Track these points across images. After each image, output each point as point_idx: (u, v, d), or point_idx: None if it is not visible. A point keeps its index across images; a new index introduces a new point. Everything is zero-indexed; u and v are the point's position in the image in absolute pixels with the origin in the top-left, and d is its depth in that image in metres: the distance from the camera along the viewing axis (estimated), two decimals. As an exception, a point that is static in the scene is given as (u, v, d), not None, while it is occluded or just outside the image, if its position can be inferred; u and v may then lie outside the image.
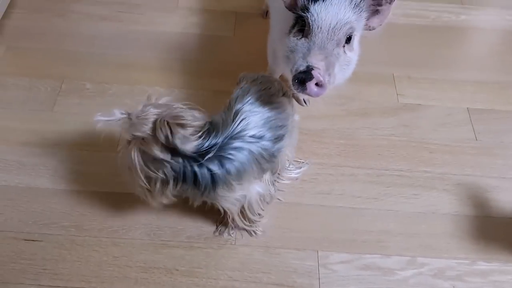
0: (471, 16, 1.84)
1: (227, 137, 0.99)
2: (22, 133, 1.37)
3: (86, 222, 1.22)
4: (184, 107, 1.00)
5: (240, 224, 1.17)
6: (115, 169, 1.30)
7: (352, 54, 0.99)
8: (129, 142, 0.98)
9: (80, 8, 1.74)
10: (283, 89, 1.13)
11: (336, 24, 0.93)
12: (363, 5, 0.97)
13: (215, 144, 0.97)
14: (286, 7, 1.02)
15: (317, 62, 0.92)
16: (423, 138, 1.44)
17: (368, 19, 1.00)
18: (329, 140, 1.42)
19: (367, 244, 1.23)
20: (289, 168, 1.30)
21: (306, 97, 1.48)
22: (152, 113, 0.95)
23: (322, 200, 1.30)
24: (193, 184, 0.99)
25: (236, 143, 0.99)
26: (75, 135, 1.38)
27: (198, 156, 0.96)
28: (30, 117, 1.41)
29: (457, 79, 1.61)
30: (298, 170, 1.32)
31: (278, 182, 1.27)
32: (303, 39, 0.96)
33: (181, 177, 0.98)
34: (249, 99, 1.04)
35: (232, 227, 1.21)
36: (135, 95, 1.48)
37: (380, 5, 0.99)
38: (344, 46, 0.96)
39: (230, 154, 0.99)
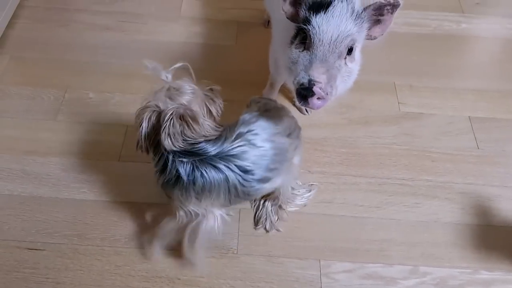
0: (472, 25, 1.84)
1: (218, 153, 0.98)
2: (26, 142, 1.38)
3: (89, 231, 1.22)
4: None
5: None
6: (118, 178, 1.31)
7: (353, 65, 0.99)
8: (146, 106, 1.00)
9: (83, 18, 1.75)
10: (291, 127, 1.10)
11: (338, 36, 0.94)
12: (365, 16, 0.98)
13: (205, 151, 0.98)
14: (287, 17, 1.03)
15: (318, 75, 0.93)
16: (425, 147, 1.44)
17: (369, 28, 1.01)
18: (331, 148, 1.43)
19: (370, 253, 1.23)
20: (297, 193, 1.28)
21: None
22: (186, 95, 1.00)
23: (324, 209, 1.30)
24: (161, 170, 1.01)
25: (220, 164, 0.98)
26: (78, 144, 1.38)
27: (178, 153, 0.97)
28: (33, 126, 1.42)
29: (458, 87, 1.61)
30: (307, 195, 1.30)
31: (284, 210, 1.26)
32: (304, 51, 0.97)
33: (157, 157, 1.00)
34: (254, 130, 1.02)
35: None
36: (138, 104, 1.48)
37: (381, 14, 1.00)
38: (345, 58, 0.96)
39: (206, 169, 0.98)
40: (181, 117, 0.94)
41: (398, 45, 1.73)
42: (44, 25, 1.71)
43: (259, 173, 1.01)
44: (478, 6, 1.92)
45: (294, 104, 1.52)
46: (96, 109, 1.47)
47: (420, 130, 1.49)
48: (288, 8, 1.02)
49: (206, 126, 0.99)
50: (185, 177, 0.98)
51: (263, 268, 1.19)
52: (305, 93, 0.93)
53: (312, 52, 0.95)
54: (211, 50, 1.68)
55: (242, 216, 1.27)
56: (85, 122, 1.44)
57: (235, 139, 1.00)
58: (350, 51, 0.97)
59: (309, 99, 0.93)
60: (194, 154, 0.98)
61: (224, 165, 0.99)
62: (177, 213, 1.07)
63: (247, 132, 1.01)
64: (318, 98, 0.93)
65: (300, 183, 1.29)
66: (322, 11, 0.95)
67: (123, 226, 1.23)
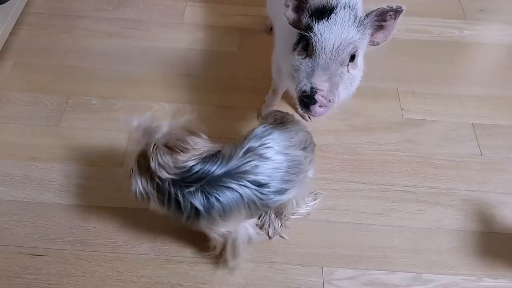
0: (475, 32, 1.85)
1: (226, 172, 0.95)
2: (29, 148, 1.38)
3: (91, 237, 1.22)
4: (186, 132, 0.97)
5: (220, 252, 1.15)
6: (120, 184, 1.31)
7: (356, 71, 0.99)
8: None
9: (86, 24, 1.76)
10: (307, 141, 1.07)
11: (340, 44, 0.94)
12: (367, 22, 0.98)
13: (208, 173, 0.94)
14: (289, 23, 1.03)
15: (320, 83, 0.93)
16: (428, 154, 1.44)
17: (372, 34, 1.01)
18: (334, 155, 1.42)
19: (372, 260, 1.22)
20: (302, 203, 1.27)
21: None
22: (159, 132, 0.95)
23: (327, 216, 1.29)
24: (176, 209, 0.96)
25: (231, 184, 0.95)
26: (81, 150, 1.39)
27: (184, 184, 0.93)
28: (36, 132, 1.42)
29: (461, 94, 1.61)
30: (312, 203, 1.29)
31: (288, 219, 1.25)
32: (307, 58, 0.97)
33: (166, 199, 0.95)
34: (267, 143, 0.99)
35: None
36: (140, 111, 1.49)
37: (384, 20, 1.00)
38: (348, 65, 0.96)
39: (218, 192, 0.94)
40: (166, 145, 0.92)
41: (401, 51, 1.74)
42: (47, 31, 1.72)
43: (274, 185, 0.98)
44: (481, 13, 1.92)
45: (296, 111, 1.52)
46: (99, 115, 1.48)
47: (423, 136, 1.49)
48: (290, 14, 1.02)
49: (199, 142, 0.96)
50: (202, 208, 0.94)
51: (265, 275, 1.18)
52: (307, 101, 0.93)
53: (315, 59, 0.95)
54: (214, 56, 1.68)
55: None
56: (88, 128, 1.44)
57: (244, 154, 0.96)
58: (352, 58, 0.97)
59: (311, 107, 0.93)
60: (198, 178, 0.94)
61: (237, 184, 0.95)
62: (211, 237, 1.07)
63: (259, 146, 0.97)
64: (320, 106, 0.93)
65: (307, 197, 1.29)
66: (325, 18, 0.95)
67: (126, 232, 1.23)
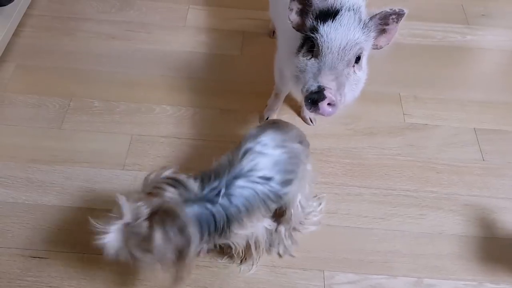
0: (477, 36, 1.85)
1: (232, 177, 0.97)
2: (31, 150, 1.38)
3: (93, 239, 1.22)
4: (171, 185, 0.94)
5: (240, 255, 1.16)
6: (122, 187, 1.31)
7: (361, 73, 1.00)
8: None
9: (89, 27, 1.76)
10: (302, 136, 1.12)
11: (346, 44, 0.94)
12: (371, 25, 0.98)
13: (216, 187, 0.96)
14: (293, 27, 1.03)
15: (328, 82, 0.93)
16: (430, 158, 1.44)
17: (375, 38, 1.01)
18: (335, 159, 1.42)
19: (374, 264, 1.22)
20: (309, 210, 1.27)
21: (312, 116, 1.49)
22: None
23: (328, 220, 1.29)
24: (214, 229, 0.97)
25: (240, 182, 0.97)
26: (83, 152, 1.39)
27: (208, 199, 0.95)
28: (38, 134, 1.42)
29: (463, 99, 1.61)
30: (319, 208, 1.29)
31: (300, 231, 1.25)
32: (312, 59, 0.97)
33: (205, 225, 0.96)
34: (262, 140, 1.01)
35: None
36: (142, 113, 1.49)
37: (387, 24, 1.00)
38: (353, 66, 0.97)
39: (237, 193, 0.96)
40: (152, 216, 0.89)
41: (403, 56, 1.74)
42: (50, 33, 1.72)
43: (279, 177, 1.01)
44: (484, 18, 1.92)
45: (299, 115, 1.52)
46: (101, 117, 1.48)
47: (425, 141, 1.48)
48: (294, 17, 1.02)
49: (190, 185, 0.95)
50: (231, 208, 0.96)
51: (266, 279, 1.18)
52: (315, 97, 0.93)
53: (321, 59, 0.95)
54: (216, 60, 1.68)
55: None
56: (90, 130, 1.44)
57: (243, 155, 0.99)
58: (358, 59, 0.97)
59: (320, 104, 0.93)
60: (218, 191, 0.96)
61: (248, 182, 0.97)
62: (234, 243, 1.08)
63: (256, 145, 1.00)
64: (329, 104, 0.93)
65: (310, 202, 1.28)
66: (330, 19, 0.96)
67: (127, 235, 1.23)
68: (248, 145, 1.00)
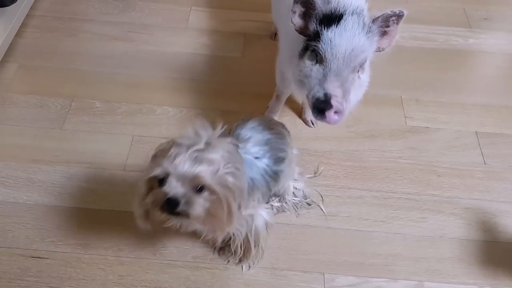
0: (479, 40, 1.85)
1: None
2: (32, 151, 1.38)
3: (93, 240, 1.22)
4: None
5: (238, 251, 1.15)
6: (122, 188, 1.31)
7: (364, 76, 1.00)
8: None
9: (91, 28, 1.76)
10: (282, 125, 1.17)
11: (352, 51, 0.94)
12: (375, 29, 0.98)
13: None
14: (296, 30, 1.03)
15: (334, 89, 0.93)
16: (431, 161, 1.44)
17: (378, 41, 1.01)
18: (336, 162, 1.42)
19: (374, 267, 1.22)
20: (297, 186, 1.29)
21: (313, 118, 1.49)
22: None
23: (329, 222, 1.29)
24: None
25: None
26: (84, 153, 1.39)
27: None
28: (40, 134, 1.42)
29: (465, 102, 1.61)
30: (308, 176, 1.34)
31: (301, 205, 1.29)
32: (317, 64, 0.97)
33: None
34: (250, 124, 1.05)
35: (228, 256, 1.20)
36: (143, 114, 1.49)
37: (388, 26, 1.01)
38: (358, 71, 0.97)
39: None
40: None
41: (405, 59, 1.74)
42: (52, 34, 1.73)
43: (270, 154, 1.04)
44: (486, 22, 1.92)
45: (300, 117, 1.52)
46: (102, 118, 1.48)
47: (427, 144, 1.48)
48: (297, 20, 1.02)
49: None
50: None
51: (266, 281, 1.18)
52: (323, 106, 0.93)
53: (326, 65, 0.95)
54: (218, 61, 1.69)
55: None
56: (91, 131, 1.44)
57: (236, 139, 1.01)
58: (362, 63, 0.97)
59: (327, 113, 0.94)
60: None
61: (245, 153, 0.99)
62: (233, 234, 1.08)
63: (244, 129, 1.04)
64: (335, 112, 0.93)
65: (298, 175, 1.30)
66: (334, 24, 0.95)
67: (127, 236, 1.23)
68: (238, 131, 1.03)
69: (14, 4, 1.59)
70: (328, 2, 0.99)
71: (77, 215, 1.26)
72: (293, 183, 1.26)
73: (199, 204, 0.85)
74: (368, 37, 0.97)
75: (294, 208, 1.29)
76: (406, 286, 1.19)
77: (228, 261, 1.20)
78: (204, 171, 0.83)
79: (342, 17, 0.96)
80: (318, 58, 0.97)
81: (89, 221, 1.26)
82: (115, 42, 1.72)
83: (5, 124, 1.44)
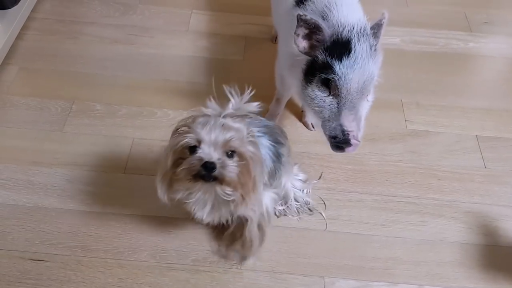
0: (479, 44, 1.85)
1: None
2: (32, 153, 1.38)
3: (92, 243, 1.22)
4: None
5: (246, 244, 1.15)
6: (122, 191, 1.31)
7: (371, 96, 1.01)
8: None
9: (92, 31, 1.77)
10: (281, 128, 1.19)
11: (364, 83, 0.95)
12: (378, 45, 0.99)
13: None
14: (300, 51, 1.02)
15: (349, 124, 0.96)
16: (431, 165, 1.44)
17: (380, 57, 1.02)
18: (337, 165, 1.42)
19: (374, 271, 1.22)
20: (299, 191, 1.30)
21: (313, 121, 1.49)
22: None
23: (329, 226, 1.29)
24: None
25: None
26: (84, 155, 1.39)
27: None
28: (40, 136, 1.42)
29: (465, 106, 1.61)
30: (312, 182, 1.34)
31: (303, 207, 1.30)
32: (331, 97, 0.97)
33: None
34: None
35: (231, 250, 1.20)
36: (144, 117, 1.50)
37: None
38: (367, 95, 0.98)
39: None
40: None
41: (405, 62, 1.74)
42: (53, 37, 1.73)
43: (271, 138, 1.05)
44: (486, 25, 1.92)
45: (300, 120, 1.52)
46: (102, 121, 1.48)
47: (427, 148, 1.48)
48: (301, 41, 1.01)
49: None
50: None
51: (266, 284, 1.18)
52: (344, 146, 0.97)
53: (340, 100, 0.97)
54: (219, 64, 1.69)
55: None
56: (92, 133, 1.44)
57: None
58: None
59: (346, 149, 0.97)
60: None
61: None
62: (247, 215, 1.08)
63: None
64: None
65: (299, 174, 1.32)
66: (345, 56, 0.95)
67: (127, 238, 1.23)
68: None
69: (16, 6, 1.59)
70: (332, 26, 0.99)
71: (77, 218, 1.26)
72: (296, 186, 1.27)
73: (233, 167, 0.88)
74: (375, 60, 0.97)
75: (297, 213, 1.29)
76: (406, 290, 1.19)
77: (231, 259, 1.20)
78: (234, 137, 0.87)
79: (350, 44, 0.95)
80: (331, 89, 0.97)
81: (89, 224, 1.25)
82: (116, 45, 1.72)
83: (5, 126, 1.44)
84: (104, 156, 1.39)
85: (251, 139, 0.92)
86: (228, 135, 0.87)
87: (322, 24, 0.96)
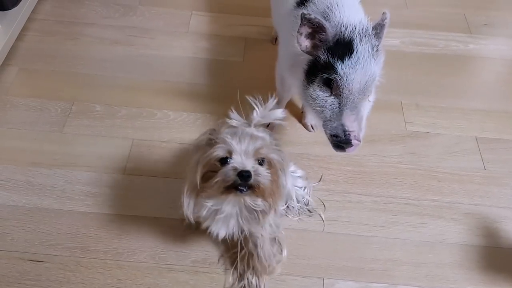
0: (479, 45, 1.85)
1: None
2: (32, 154, 1.38)
3: (92, 244, 1.22)
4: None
5: (256, 265, 1.14)
6: (122, 192, 1.31)
7: (372, 96, 1.01)
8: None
9: (92, 31, 1.77)
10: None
11: (366, 83, 0.95)
12: (379, 45, 0.98)
13: None
14: (302, 50, 1.02)
15: (351, 124, 0.96)
16: (431, 167, 1.44)
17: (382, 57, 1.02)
18: (336, 166, 1.42)
19: (374, 272, 1.22)
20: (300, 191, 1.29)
21: (313, 123, 1.49)
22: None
23: (328, 227, 1.29)
24: None
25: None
26: (84, 156, 1.39)
27: None
28: (40, 137, 1.42)
29: (465, 107, 1.61)
30: (311, 185, 1.33)
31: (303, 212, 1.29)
32: (332, 97, 0.97)
33: None
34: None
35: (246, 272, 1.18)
36: (144, 118, 1.50)
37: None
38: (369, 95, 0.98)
39: None
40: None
41: (405, 64, 1.74)
42: (53, 38, 1.73)
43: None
44: (486, 27, 1.92)
45: (300, 121, 1.52)
46: (102, 122, 1.48)
47: (427, 149, 1.48)
48: (303, 40, 1.01)
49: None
50: None
51: (266, 285, 1.17)
52: (345, 146, 0.97)
53: (342, 100, 0.97)
54: (219, 66, 1.69)
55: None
56: (91, 134, 1.44)
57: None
58: None
59: (347, 149, 0.98)
60: None
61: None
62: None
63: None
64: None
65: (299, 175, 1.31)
66: (347, 56, 0.95)
67: (126, 239, 1.23)
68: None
69: (16, 7, 1.59)
70: (335, 26, 0.99)
71: (76, 219, 1.26)
72: (297, 184, 1.27)
73: (266, 174, 0.89)
74: (377, 60, 0.97)
75: (297, 214, 1.28)
76: (406, 291, 1.19)
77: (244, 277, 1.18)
78: (262, 145, 0.89)
79: (352, 44, 0.95)
80: (333, 89, 0.97)
81: (88, 224, 1.25)
82: (116, 46, 1.72)
83: (5, 127, 1.44)
84: (104, 157, 1.39)
85: (275, 147, 0.93)
86: (258, 143, 0.88)
87: (326, 23, 0.97)
